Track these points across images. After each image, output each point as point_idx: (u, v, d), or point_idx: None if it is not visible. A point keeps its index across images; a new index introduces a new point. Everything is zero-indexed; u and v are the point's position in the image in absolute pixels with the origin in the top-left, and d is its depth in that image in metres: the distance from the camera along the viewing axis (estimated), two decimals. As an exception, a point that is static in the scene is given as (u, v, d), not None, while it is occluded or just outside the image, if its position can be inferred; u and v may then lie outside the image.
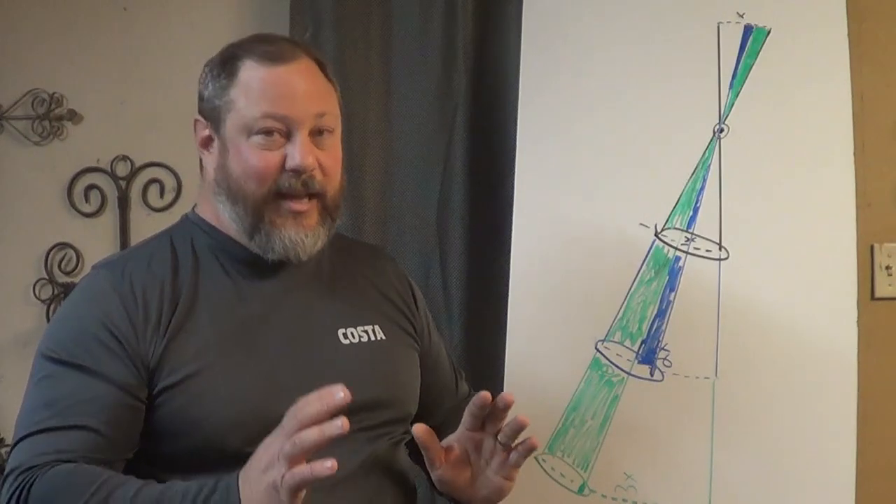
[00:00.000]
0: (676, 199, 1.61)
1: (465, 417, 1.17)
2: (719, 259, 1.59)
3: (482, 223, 1.92)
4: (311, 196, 1.19)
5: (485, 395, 1.13)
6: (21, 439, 1.08)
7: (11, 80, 2.07)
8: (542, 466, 1.60)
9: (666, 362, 1.58)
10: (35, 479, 1.03)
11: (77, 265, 2.08)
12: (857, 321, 1.53)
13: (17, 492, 1.04)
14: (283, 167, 1.16)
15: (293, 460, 0.92)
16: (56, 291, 2.07)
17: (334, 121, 1.22)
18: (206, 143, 1.22)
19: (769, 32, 1.62)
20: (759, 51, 1.62)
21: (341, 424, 0.91)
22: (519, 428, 1.13)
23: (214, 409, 1.11)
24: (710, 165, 1.61)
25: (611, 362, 1.60)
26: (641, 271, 1.61)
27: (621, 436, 1.57)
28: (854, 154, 1.57)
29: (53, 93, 2.07)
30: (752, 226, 1.59)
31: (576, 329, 1.61)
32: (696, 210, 1.61)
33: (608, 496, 1.57)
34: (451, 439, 1.20)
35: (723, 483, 1.53)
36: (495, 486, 1.18)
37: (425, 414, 1.31)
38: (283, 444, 0.93)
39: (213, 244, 1.22)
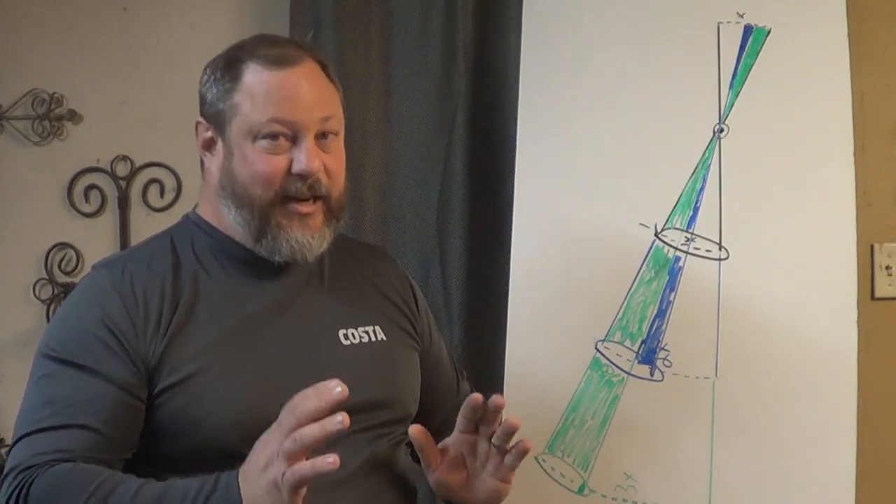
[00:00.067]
0: (676, 199, 1.61)
1: (459, 420, 1.17)
2: (719, 259, 1.59)
3: (482, 223, 1.92)
4: (316, 198, 1.19)
5: (476, 397, 1.13)
6: (21, 438, 1.08)
7: (11, 80, 2.07)
8: (542, 466, 1.60)
9: (666, 362, 1.58)
10: (34, 479, 1.03)
11: (77, 265, 2.08)
12: (857, 321, 1.53)
13: (17, 491, 1.03)
14: (289, 171, 1.16)
15: (293, 457, 0.92)
16: (56, 291, 2.07)
17: (338, 123, 1.22)
18: (209, 145, 1.22)
19: (769, 32, 1.62)
20: (759, 51, 1.62)
21: (342, 420, 0.90)
22: (511, 431, 1.12)
23: (214, 409, 1.11)
24: (710, 165, 1.61)
25: (611, 362, 1.60)
26: (641, 271, 1.61)
27: (621, 436, 1.57)
28: (854, 154, 1.57)
29: (53, 93, 2.06)
30: (752, 226, 1.58)
31: (576, 329, 1.61)
32: (696, 210, 1.61)
33: (608, 496, 1.57)
34: (446, 442, 1.20)
35: (723, 483, 1.53)
36: (491, 488, 1.18)
37: (427, 414, 1.31)
38: (283, 441, 0.92)
39: (213, 244, 1.22)
